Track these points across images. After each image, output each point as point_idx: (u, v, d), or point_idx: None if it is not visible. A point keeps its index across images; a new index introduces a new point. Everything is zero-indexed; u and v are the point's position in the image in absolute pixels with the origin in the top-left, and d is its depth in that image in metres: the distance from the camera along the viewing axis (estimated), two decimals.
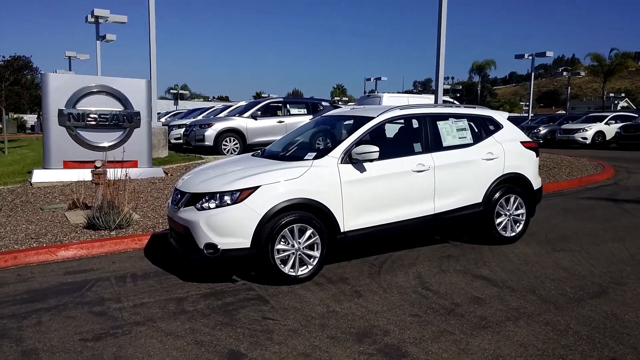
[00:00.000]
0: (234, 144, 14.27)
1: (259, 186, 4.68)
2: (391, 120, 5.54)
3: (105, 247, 6.03)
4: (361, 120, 5.49)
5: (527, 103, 39.86)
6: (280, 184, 4.73)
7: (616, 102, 70.66)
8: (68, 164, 10.19)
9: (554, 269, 5.13)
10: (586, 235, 6.38)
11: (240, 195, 4.64)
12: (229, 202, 4.66)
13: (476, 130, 5.92)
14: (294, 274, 4.79)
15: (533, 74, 32.13)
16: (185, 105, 49.52)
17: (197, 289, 4.75)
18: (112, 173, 7.20)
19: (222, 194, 4.70)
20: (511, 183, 5.95)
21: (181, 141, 16.59)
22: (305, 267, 4.86)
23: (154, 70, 13.14)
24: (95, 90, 10.21)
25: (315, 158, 5.03)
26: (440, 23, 11.35)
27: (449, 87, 53.56)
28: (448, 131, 5.70)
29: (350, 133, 5.29)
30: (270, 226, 4.65)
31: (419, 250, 5.85)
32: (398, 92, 19.89)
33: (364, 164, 5.07)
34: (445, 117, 5.80)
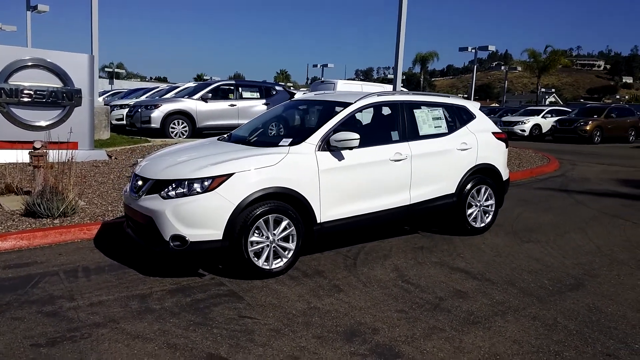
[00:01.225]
0: (183, 127, 13.58)
1: (232, 173, 4.31)
2: (369, 107, 5.30)
3: (49, 237, 5.44)
4: (337, 106, 5.22)
5: (465, 95, 41.09)
6: (255, 171, 4.38)
7: (546, 96, 74.38)
8: None
9: (527, 260, 5.11)
10: (549, 226, 6.46)
11: (212, 183, 4.26)
12: (199, 190, 4.26)
13: (450, 120, 5.81)
14: (268, 267, 4.48)
15: (476, 67, 33.00)
16: (121, 85, 47.21)
17: (160, 285, 4.34)
18: (54, 155, 6.55)
19: (192, 181, 4.29)
20: (482, 174, 5.90)
21: (124, 122, 15.62)
22: (279, 260, 4.56)
23: (96, 45, 12.16)
24: (30, 64, 9.29)
25: (291, 144, 4.71)
26: (400, 12, 11.24)
27: (393, 77, 54.13)
28: (424, 120, 5.54)
29: (326, 119, 5.00)
30: (244, 217, 4.30)
31: (390, 241, 5.69)
32: (349, 80, 19.73)
33: (342, 152, 4.81)
34: (421, 105, 5.64)
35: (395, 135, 5.34)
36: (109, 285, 4.30)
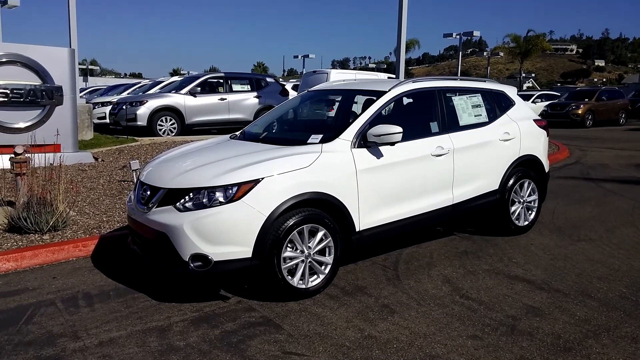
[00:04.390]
0: (171, 124, 12.76)
1: (261, 178, 3.64)
2: (404, 95, 4.66)
3: (39, 256, 4.71)
4: (368, 95, 4.58)
5: None
6: (287, 175, 3.72)
7: (524, 82, 74.63)
8: None
9: (589, 263, 4.55)
10: (593, 221, 5.92)
11: (237, 191, 3.58)
12: (222, 199, 3.59)
13: (489, 107, 5.20)
14: (304, 286, 3.84)
15: (460, 53, 32.54)
16: (96, 82, 45.65)
17: (179, 313, 3.66)
18: (37, 159, 5.81)
19: (213, 189, 3.61)
20: (525, 167, 5.32)
21: (106, 121, 14.73)
22: (315, 276, 3.92)
23: (74, 38, 11.26)
24: (4, 60, 8.41)
25: (322, 141, 4.05)
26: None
27: (374, 65, 53.66)
28: (464, 108, 4.93)
29: (358, 111, 4.35)
30: (276, 229, 3.64)
31: (427, 245, 5.09)
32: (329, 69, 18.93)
33: (380, 148, 4.18)
34: (459, 91, 5.03)
35: (434, 126, 4.72)
36: (118, 317, 3.61)
